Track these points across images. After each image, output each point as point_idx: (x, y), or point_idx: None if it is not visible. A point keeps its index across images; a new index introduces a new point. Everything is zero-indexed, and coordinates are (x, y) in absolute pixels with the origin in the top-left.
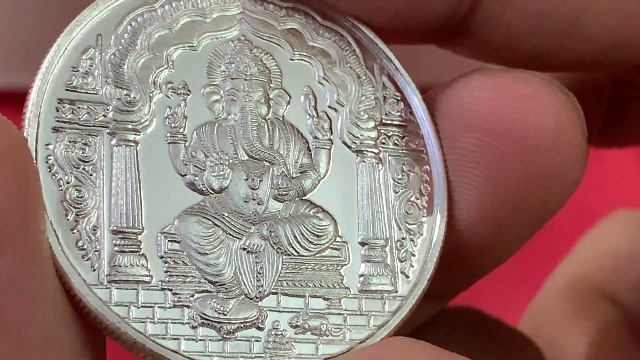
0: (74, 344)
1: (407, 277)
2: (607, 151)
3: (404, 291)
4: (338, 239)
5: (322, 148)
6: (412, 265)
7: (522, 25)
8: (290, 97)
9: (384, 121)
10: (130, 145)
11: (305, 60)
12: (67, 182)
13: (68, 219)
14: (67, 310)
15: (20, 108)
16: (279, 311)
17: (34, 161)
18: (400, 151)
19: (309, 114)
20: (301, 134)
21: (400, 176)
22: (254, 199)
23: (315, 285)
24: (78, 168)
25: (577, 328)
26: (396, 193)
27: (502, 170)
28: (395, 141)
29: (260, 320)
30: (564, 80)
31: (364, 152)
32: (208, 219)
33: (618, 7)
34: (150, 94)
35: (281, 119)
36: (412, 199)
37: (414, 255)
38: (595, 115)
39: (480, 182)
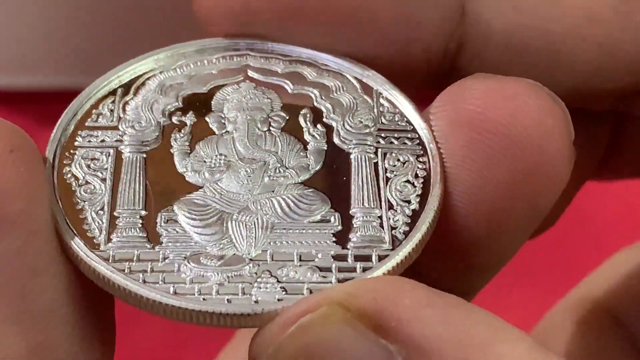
0: (77, 316)
1: (398, 238)
2: None
3: (395, 245)
4: (330, 211)
5: (318, 149)
6: (405, 226)
7: (505, 60)
8: (288, 117)
9: (379, 128)
10: (139, 154)
11: (304, 91)
12: (80, 185)
13: (78, 207)
14: (71, 284)
15: (20, 108)
16: (269, 263)
17: (40, 158)
18: (395, 147)
19: (306, 126)
20: (298, 139)
21: (395, 164)
22: (248, 184)
23: (306, 243)
24: (91, 173)
25: (581, 345)
26: (391, 176)
27: (489, 164)
28: (391, 141)
29: (249, 271)
30: None
31: (359, 147)
32: (205, 199)
33: (594, 37)
34: (160, 120)
35: (279, 131)
36: (406, 180)
37: (406, 222)
38: (597, 148)
39: (470, 175)
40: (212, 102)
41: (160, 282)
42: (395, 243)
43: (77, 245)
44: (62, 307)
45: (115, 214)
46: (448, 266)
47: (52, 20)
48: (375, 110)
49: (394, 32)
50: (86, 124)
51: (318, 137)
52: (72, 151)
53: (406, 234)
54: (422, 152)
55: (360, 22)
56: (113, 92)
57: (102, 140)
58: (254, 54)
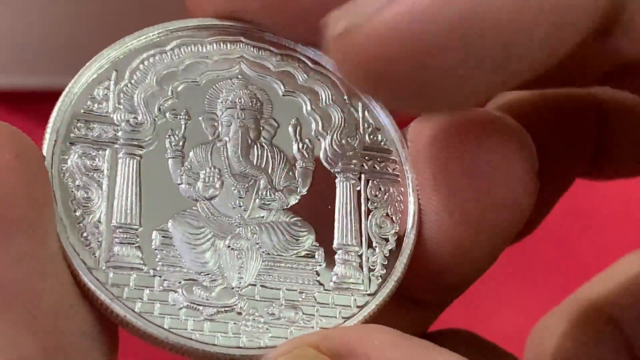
0: (82, 321)
1: (377, 278)
2: None
3: (372, 289)
4: (315, 244)
5: (305, 169)
6: (382, 269)
7: None
8: (278, 125)
9: (363, 149)
10: (135, 158)
11: (294, 97)
12: (77, 186)
13: (76, 214)
14: (75, 291)
15: (20, 108)
16: (256, 300)
17: (45, 163)
18: (378, 174)
19: (296, 140)
20: (287, 157)
21: (376, 194)
22: (240, 206)
23: (291, 280)
24: (88, 174)
25: (576, 344)
26: (372, 208)
27: (456, 198)
28: (374, 166)
29: (239, 307)
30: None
31: (344, 173)
32: (198, 220)
33: None
34: (155, 118)
35: (270, 143)
36: (386, 213)
37: (384, 261)
38: (584, 148)
39: (439, 207)
40: (207, 100)
41: (155, 313)
42: (373, 287)
43: (77, 262)
44: (71, 307)
45: (112, 226)
46: (426, 284)
47: (52, 21)
48: (361, 127)
49: None
50: (82, 111)
51: (306, 156)
52: (69, 144)
53: (383, 277)
54: (401, 181)
55: None
56: (107, 75)
57: (98, 135)
58: (246, 40)
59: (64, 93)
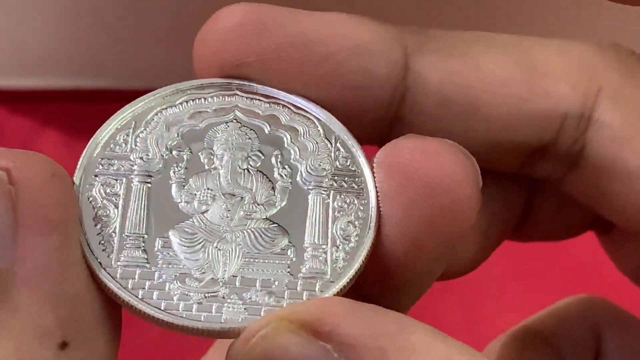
0: (93, 303)
1: (339, 269)
2: None
3: (334, 278)
4: (288, 244)
5: (284, 188)
6: (343, 262)
7: (437, 110)
8: (263, 157)
9: (333, 171)
10: (145, 184)
11: (278, 134)
12: (99, 206)
13: (96, 227)
14: (89, 280)
15: (20, 108)
16: (237, 287)
17: (71, 182)
18: (344, 189)
19: (276, 167)
20: (269, 179)
21: (342, 205)
22: (227, 217)
23: (266, 272)
24: (107, 198)
25: (515, 356)
26: (338, 216)
27: (413, 205)
28: (341, 183)
29: (221, 293)
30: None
31: (315, 190)
32: (193, 228)
33: (505, 96)
34: (163, 154)
35: (256, 170)
36: (349, 220)
37: (346, 257)
38: (514, 212)
39: (398, 213)
40: (205, 139)
41: (154, 298)
42: (334, 276)
43: (94, 262)
44: (88, 292)
45: (124, 235)
46: (383, 284)
47: (52, 21)
48: (332, 154)
49: (353, 81)
50: (105, 152)
51: (285, 177)
52: (93, 176)
53: (344, 268)
54: (364, 195)
55: (326, 71)
56: (128, 125)
57: (117, 169)
58: (241, 94)
59: (92, 139)
